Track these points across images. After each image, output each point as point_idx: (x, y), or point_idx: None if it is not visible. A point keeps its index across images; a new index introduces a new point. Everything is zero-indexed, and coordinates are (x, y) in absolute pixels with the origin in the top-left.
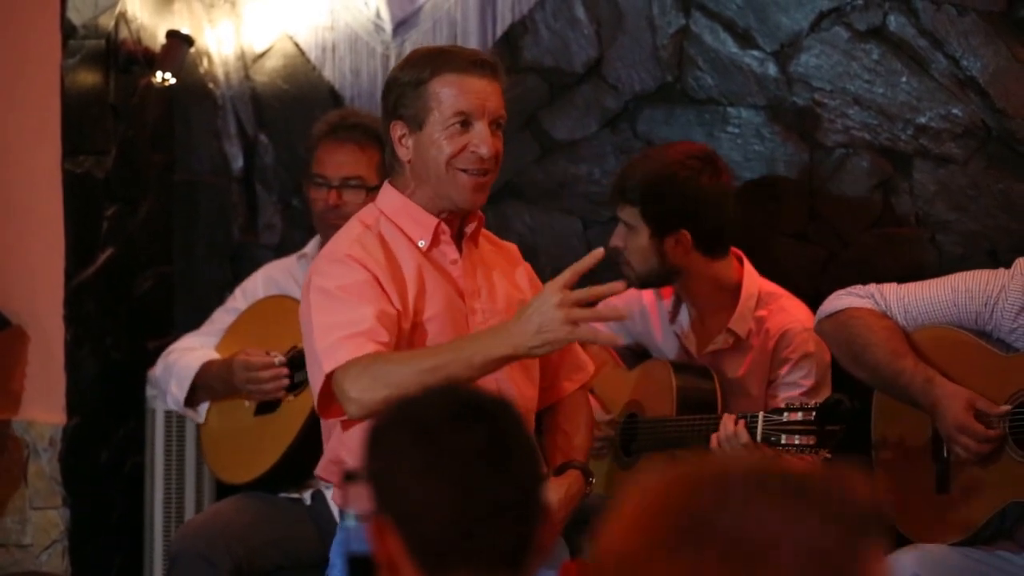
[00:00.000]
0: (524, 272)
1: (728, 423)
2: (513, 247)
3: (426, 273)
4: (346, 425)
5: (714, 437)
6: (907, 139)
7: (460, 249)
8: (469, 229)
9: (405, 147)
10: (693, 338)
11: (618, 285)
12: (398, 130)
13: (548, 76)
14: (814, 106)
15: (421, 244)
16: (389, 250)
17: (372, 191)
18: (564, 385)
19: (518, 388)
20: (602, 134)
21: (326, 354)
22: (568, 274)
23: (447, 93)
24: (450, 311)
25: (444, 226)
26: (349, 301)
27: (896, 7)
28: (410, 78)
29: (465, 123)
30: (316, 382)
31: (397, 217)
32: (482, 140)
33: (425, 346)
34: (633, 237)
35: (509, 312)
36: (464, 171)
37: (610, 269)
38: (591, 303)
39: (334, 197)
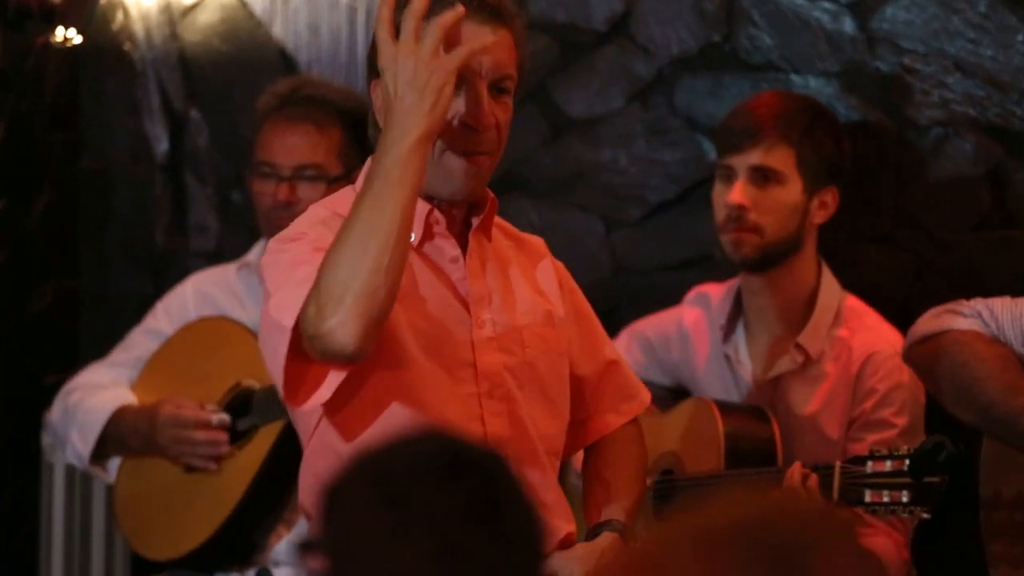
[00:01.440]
0: (550, 271)
1: (794, 477)
2: (538, 241)
3: (418, 273)
4: (335, 419)
5: None
6: (1023, 115)
7: (465, 244)
8: (476, 219)
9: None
10: (749, 363)
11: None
12: (379, 94)
13: (560, 35)
14: (903, 73)
15: (412, 238)
16: None
17: (333, 183)
18: (608, 418)
19: (535, 425)
20: (629, 110)
21: (281, 310)
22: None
23: None
24: (447, 321)
25: (438, 215)
26: (306, 268)
27: None
28: (397, 22)
29: (457, 85)
30: (277, 364)
31: None
32: (474, 107)
33: (412, 370)
34: (773, 191)
35: (532, 327)
36: (454, 153)
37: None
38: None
39: (285, 191)
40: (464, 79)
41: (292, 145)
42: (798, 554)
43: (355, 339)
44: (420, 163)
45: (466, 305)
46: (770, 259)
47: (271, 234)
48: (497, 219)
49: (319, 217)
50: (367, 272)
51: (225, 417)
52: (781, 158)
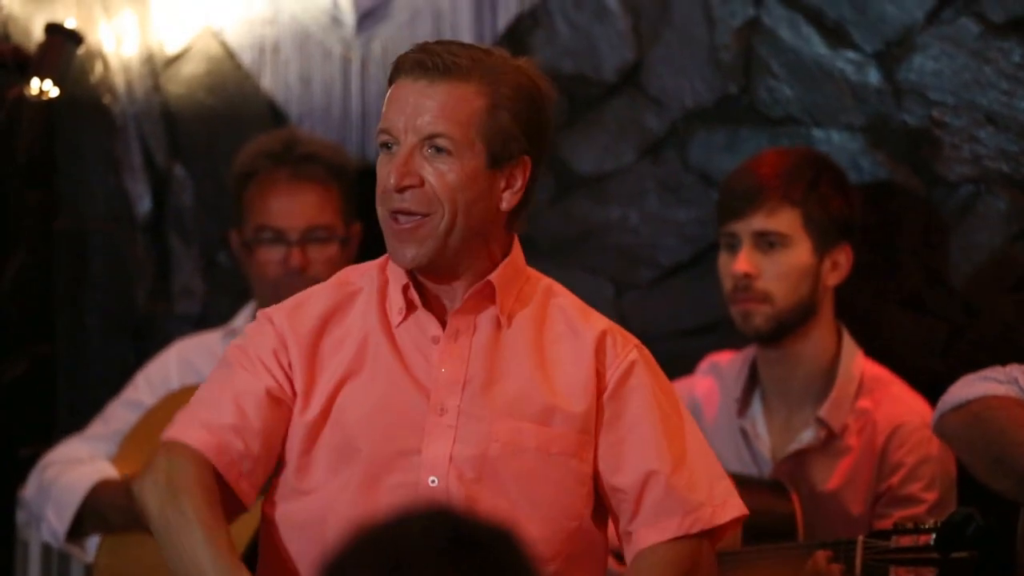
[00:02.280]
0: (591, 377)
1: (819, 563)
2: (596, 330)
3: (375, 354)
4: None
5: None
6: None
7: (449, 322)
8: (467, 295)
9: None
10: (767, 438)
11: None
12: None
13: (568, 87)
14: (932, 127)
15: (398, 312)
16: (340, 320)
17: (341, 242)
18: (643, 533)
19: (523, 495)
20: (640, 166)
21: (176, 420)
22: None
23: (385, 105)
24: (391, 406)
25: (413, 292)
26: (230, 373)
27: None
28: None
29: (386, 144)
30: None
31: (390, 274)
32: (391, 167)
33: (345, 455)
34: (780, 256)
35: (508, 420)
36: (382, 217)
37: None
38: None
39: (298, 257)
40: (394, 138)
41: (298, 208)
42: None
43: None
44: None
45: (428, 390)
46: (784, 329)
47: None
48: (564, 299)
49: (309, 293)
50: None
51: None
52: (786, 220)
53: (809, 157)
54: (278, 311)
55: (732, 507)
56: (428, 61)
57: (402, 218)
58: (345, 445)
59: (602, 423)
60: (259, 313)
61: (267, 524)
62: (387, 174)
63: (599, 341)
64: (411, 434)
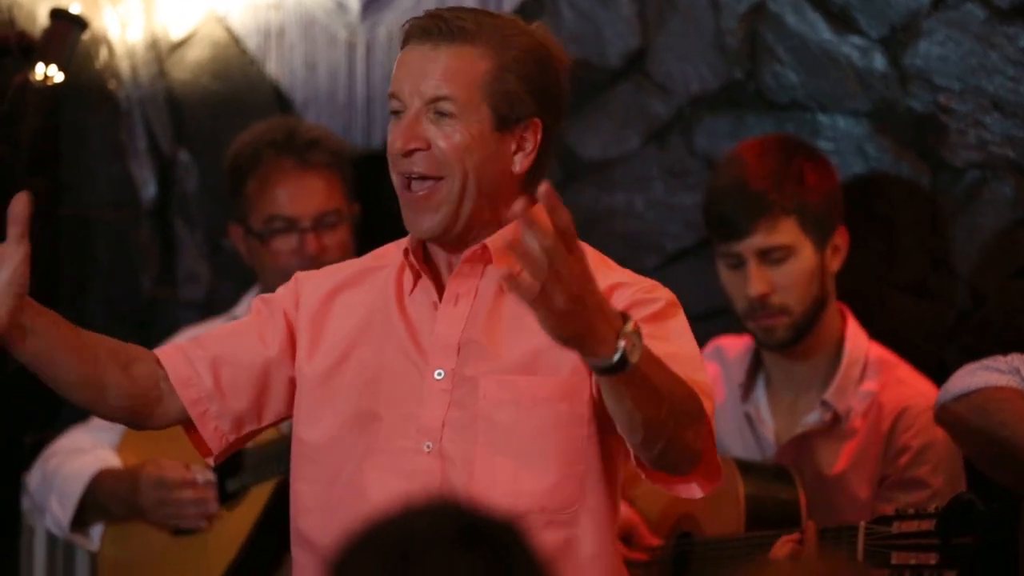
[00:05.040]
0: None
1: (811, 538)
2: (617, 282)
3: (379, 323)
4: None
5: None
6: None
7: (446, 287)
8: (460, 259)
9: None
10: (771, 422)
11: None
12: None
13: (573, 73)
14: (937, 112)
15: (408, 280)
16: (354, 289)
17: (351, 225)
18: None
19: (495, 483)
20: (646, 151)
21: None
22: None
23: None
24: (388, 373)
25: (412, 257)
26: (241, 321)
27: None
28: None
29: (396, 110)
30: None
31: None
32: (396, 131)
33: (349, 424)
34: (788, 266)
35: (499, 375)
36: (395, 183)
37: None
38: None
39: (313, 244)
40: (402, 103)
41: (308, 195)
42: None
43: None
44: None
45: (427, 356)
46: (803, 331)
47: None
48: (599, 261)
49: (335, 266)
50: None
51: (211, 475)
52: (786, 232)
53: (786, 148)
54: (309, 273)
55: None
56: (434, 26)
57: (415, 184)
58: (350, 410)
59: None
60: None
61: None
62: (394, 139)
63: (608, 290)
64: (412, 399)
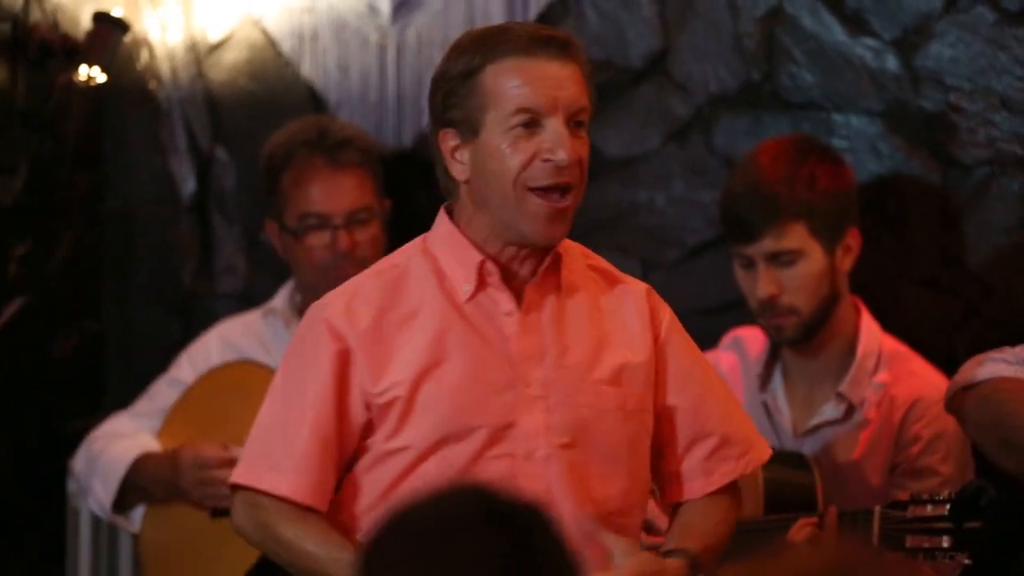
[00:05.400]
0: (645, 327)
1: (832, 522)
2: (640, 290)
3: (453, 333)
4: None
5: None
6: None
7: (525, 295)
8: (542, 267)
9: (460, 162)
10: (788, 412)
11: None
12: (449, 140)
13: (597, 74)
14: (949, 112)
15: (465, 288)
16: (398, 303)
17: (382, 221)
18: (698, 482)
19: (586, 488)
20: (667, 150)
21: (243, 463)
22: None
23: (506, 84)
24: (479, 383)
25: (490, 266)
26: (298, 411)
27: None
28: (458, 69)
29: (531, 123)
30: None
31: (440, 253)
32: (557, 142)
33: (447, 434)
34: (797, 268)
35: (589, 384)
36: (536, 191)
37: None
38: None
39: (346, 240)
40: (540, 115)
41: (340, 193)
42: None
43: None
44: None
45: (513, 364)
46: (814, 329)
47: (328, 288)
48: (597, 262)
49: (352, 289)
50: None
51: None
52: (795, 236)
53: (800, 152)
54: (332, 311)
55: (766, 445)
56: (556, 42)
57: (561, 196)
58: (441, 426)
59: (659, 370)
60: (314, 316)
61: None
62: (545, 150)
63: (648, 295)
64: (503, 408)
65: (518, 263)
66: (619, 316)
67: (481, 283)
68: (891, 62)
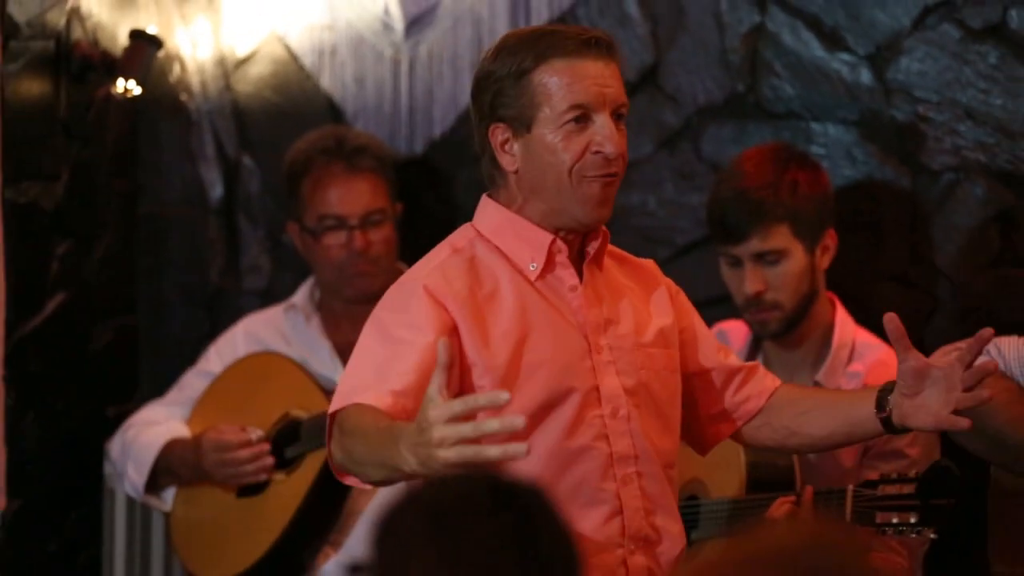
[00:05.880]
0: (664, 294)
1: (808, 500)
2: (650, 263)
3: (532, 307)
4: None
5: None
6: None
7: (580, 274)
8: (592, 248)
9: (510, 154)
10: None
11: (503, 395)
12: (499, 134)
13: None
14: (917, 121)
15: (532, 267)
16: (479, 279)
17: (394, 223)
18: (748, 405)
19: (651, 441)
20: (658, 156)
21: (339, 394)
22: (458, 405)
23: (557, 83)
24: (566, 351)
25: (560, 243)
26: (400, 345)
27: (1018, 0)
28: (508, 69)
29: (582, 118)
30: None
31: (499, 237)
32: (607, 137)
33: (542, 400)
34: (781, 267)
35: (641, 349)
36: (589, 178)
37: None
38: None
39: (361, 240)
40: (590, 110)
41: (355, 196)
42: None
43: (337, 469)
44: (404, 476)
45: (584, 334)
46: (794, 323)
47: (347, 282)
48: (610, 247)
49: (438, 259)
50: (360, 473)
51: (262, 432)
52: (779, 238)
53: (782, 159)
54: (431, 280)
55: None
56: (603, 42)
57: (608, 182)
58: (545, 390)
59: (682, 328)
60: (411, 284)
61: None
62: (596, 143)
63: (657, 268)
64: (588, 373)
65: (569, 243)
66: (641, 287)
67: (549, 261)
68: (865, 76)
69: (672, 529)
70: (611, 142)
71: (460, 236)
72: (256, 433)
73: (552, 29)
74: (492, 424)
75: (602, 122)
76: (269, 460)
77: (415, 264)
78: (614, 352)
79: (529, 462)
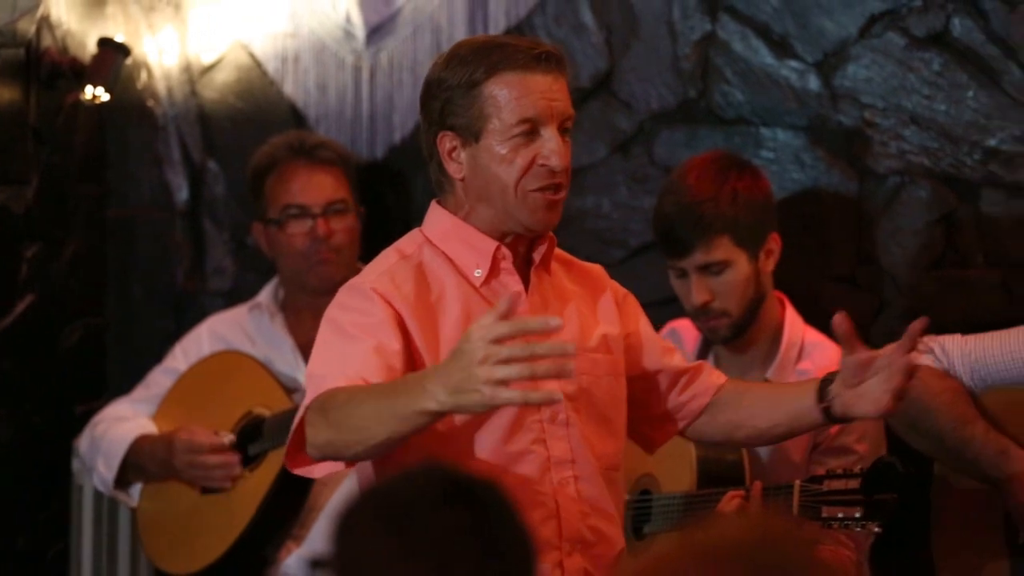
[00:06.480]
0: (610, 299)
1: (756, 495)
2: (597, 269)
3: (477, 312)
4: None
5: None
6: (974, 164)
7: (527, 279)
8: (538, 254)
9: (457, 162)
10: None
11: (554, 320)
12: (447, 142)
13: None
14: (864, 126)
15: (477, 274)
16: (426, 285)
17: (358, 217)
18: (693, 404)
19: (591, 445)
20: (612, 160)
21: (312, 385)
22: (505, 327)
23: (507, 95)
24: None
25: (505, 250)
26: (354, 339)
27: (961, 9)
28: (460, 79)
29: (530, 131)
30: (294, 424)
31: (446, 243)
32: (553, 150)
33: None
34: (726, 277)
35: (584, 354)
36: (536, 190)
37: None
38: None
39: (324, 226)
40: (538, 124)
41: (319, 185)
42: (793, 571)
43: (315, 456)
44: (424, 421)
45: (527, 339)
46: (744, 328)
47: (310, 270)
48: (557, 251)
49: (386, 264)
50: (353, 441)
51: (233, 437)
52: (722, 249)
53: (721, 170)
54: (377, 283)
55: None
56: (553, 57)
57: (554, 192)
58: None
59: (628, 334)
60: (356, 286)
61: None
62: (543, 156)
63: (605, 274)
64: (527, 378)
65: (515, 249)
66: (588, 293)
67: (494, 267)
68: (813, 82)
69: (609, 531)
70: (557, 156)
71: (408, 242)
72: (228, 437)
73: (503, 41)
74: (544, 346)
75: (549, 136)
76: (237, 469)
77: (364, 269)
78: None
79: (470, 464)
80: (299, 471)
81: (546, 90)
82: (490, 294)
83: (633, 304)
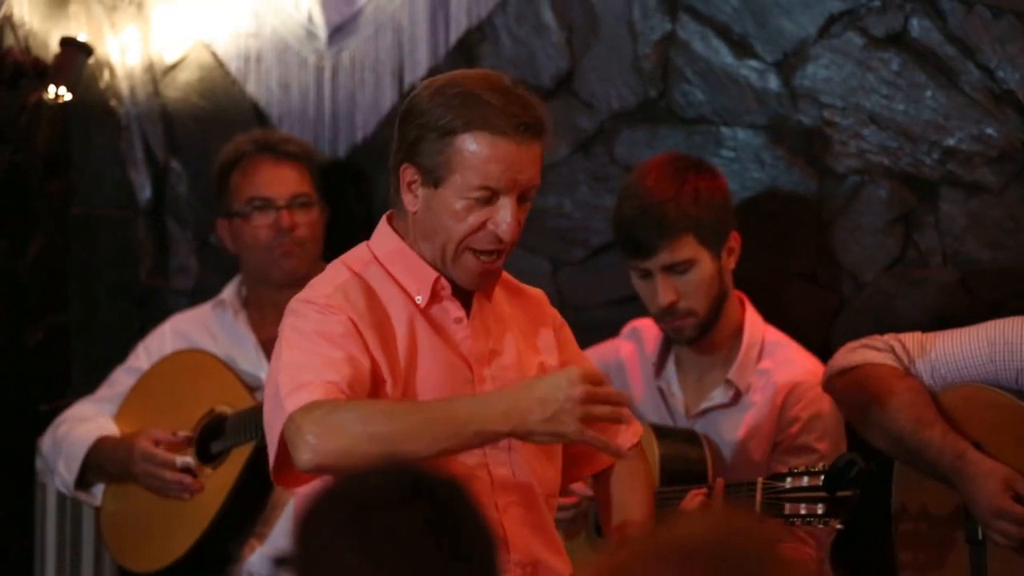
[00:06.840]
0: (550, 328)
1: (718, 492)
2: (539, 294)
3: (420, 333)
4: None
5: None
6: (932, 164)
7: (469, 305)
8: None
9: (413, 195)
10: (681, 396)
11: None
12: (410, 175)
13: None
14: (823, 126)
15: (418, 300)
16: (377, 302)
17: (321, 212)
18: (603, 459)
19: (534, 470)
20: (573, 159)
21: (290, 396)
22: (600, 374)
23: (476, 156)
24: (450, 380)
25: (444, 281)
26: (325, 345)
27: (919, 9)
28: (437, 122)
29: (489, 198)
30: (274, 435)
31: (391, 264)
32: (505, 220)
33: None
34: (690, 275)
35: (521, 379)
36: (474, 252)
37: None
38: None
39: (287, 218)
40: (498, 193)
41: (284, 179)
42: (756, 567)
43: (315, 466)
44: (485, 440)
45: (468, 364)
46: (709, 327)
47: (274, 262)
48: (503, 275)
49: (338, 280)
50: (387, 444)
51: (190, 461)
52: (686, 249)
53: (680, 172)
54: (328, 297)
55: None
56: (528, 126)
57: (495, 258)
58: None
59: (562, 364)
60: (309, 300)
61: None
62: (493, 223)
63: (546, 300)
64: None
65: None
66: (528, 321)
67: (434, 296)
68: (773, 82)
69: (549, 558)
70: (507, 227)
71: (355, 258)
72: (182, 461)
73: (491, 100)
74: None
75: (504, 204)
76: (194, 487)
77: (312, 282)
78: (497, 382)
79: None
80: (289, 487)
81: (516, 161)
82: (433, 317)
83: (568, 335)
